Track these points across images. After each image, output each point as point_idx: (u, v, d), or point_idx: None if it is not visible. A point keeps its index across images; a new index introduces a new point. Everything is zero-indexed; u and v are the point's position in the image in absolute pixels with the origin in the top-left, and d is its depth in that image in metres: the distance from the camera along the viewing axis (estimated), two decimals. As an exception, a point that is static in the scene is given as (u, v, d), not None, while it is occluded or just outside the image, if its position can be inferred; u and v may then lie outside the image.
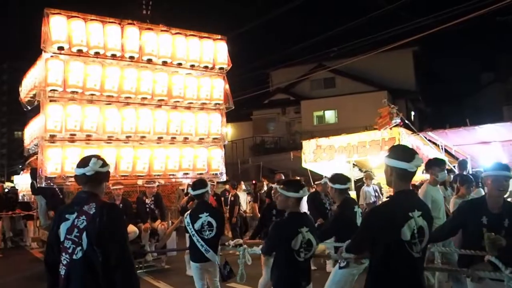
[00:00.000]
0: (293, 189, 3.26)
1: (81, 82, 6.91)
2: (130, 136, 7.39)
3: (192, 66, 8.01)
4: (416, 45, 22.38)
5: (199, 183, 4.84)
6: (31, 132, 8.83)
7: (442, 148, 10.60)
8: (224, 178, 8.48)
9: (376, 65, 21.97)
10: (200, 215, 4.56)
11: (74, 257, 2.48)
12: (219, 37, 8.31)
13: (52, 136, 6.75)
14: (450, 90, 28.75)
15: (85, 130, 6.96)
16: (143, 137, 7.52)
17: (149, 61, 7.56)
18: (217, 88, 8.21)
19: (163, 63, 7.72)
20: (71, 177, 6.80)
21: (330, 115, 25.16)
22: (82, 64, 6.94)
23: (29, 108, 8.86)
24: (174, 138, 7.83)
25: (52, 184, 6.81)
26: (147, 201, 7.87)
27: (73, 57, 6.95)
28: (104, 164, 2.69)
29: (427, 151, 10.32)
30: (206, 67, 8.14)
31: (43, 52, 6.85)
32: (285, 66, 23.64)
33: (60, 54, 6.84)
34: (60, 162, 6.75)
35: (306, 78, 23.90)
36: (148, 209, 7.85)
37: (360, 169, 11.39)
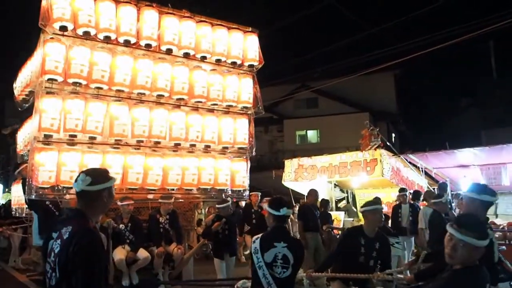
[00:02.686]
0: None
1: (86, 72, 5.61)
2: (141, 141, 6.07)
3: (218, 61, 6.74)
4: (398, 69, 23.20)
5: (283, 202, 3.56)
6: (25, 135, 7.49)
7: (422, 171, 10.86)
8: (247, 196, 7.16)
9: (359, 87, 22.85)
10: (276, 244, 3.31)
11: (51, 282, 2.30)
12: (250, 29, 7.08)
13: (47, 137, 5.41)
14: (430, 113, 29.53)
15: (88, 131, 5.64)
16: (157, 143, 6.20)
17: (169, 51, 6.29)
18: (245, 89, 6.94)
19: (185, 55, 6.44)
20: (69, 188, 5.47)
21: (312, 135, 26.00)
22: (88, 50, 5.66)
23: (25, 106, 7.57)
24: (194, 146, 6.52)
25: (44, 196, 5.46)
26: (161, 219, 6.55)
27: (77, 40, 5.67)
28: (95, 182, 2.42)
29: (407, 173, 10.71)
30: (233, 63, 6.88)
31: (41, 33, 5.56)
32: (268, 85, 23.51)
33: (63, 35, 5.54)
34: (55, 170, 5.40)
35: (289, 97, 24.17)
36: (162, 230, 6.52)
37: (341, 190, 11.60)
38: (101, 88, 5.77)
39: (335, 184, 11.51)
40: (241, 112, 7.02)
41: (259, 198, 9.11)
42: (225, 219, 6.24)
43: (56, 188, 5.47)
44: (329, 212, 9.65)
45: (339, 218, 10.42)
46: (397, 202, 9.14)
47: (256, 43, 7.04)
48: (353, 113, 23.24)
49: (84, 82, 5.64)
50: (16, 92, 7.71)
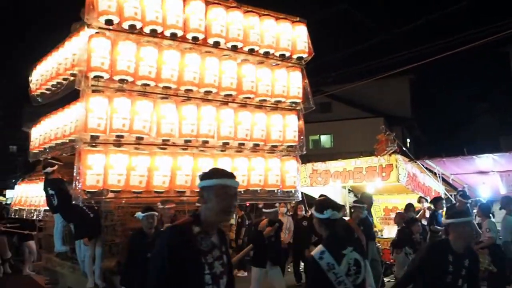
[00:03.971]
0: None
1: (133, 68, 5.25)
2: (189, 141, 5.70)
3: (266, 53, 6.31)
4: (413, 73, 22.92)
5: (327, 203, 3.12)
6: (42, 133, 7.22)
7: (439, 177, 10.60)
8: (299, 197, 6.74)
9: (373, 91, 22.67)
10: (344, 252, 2.85)
11: None
12: (298, 19, 6.61)
13: (93, 138, 5.08)
14: (446, 118, 28.95)
15: (135, 131, 5.29)
16: (205, 142, 5.83)
17: (216, 44, 5.88)
18: (294, 83, 6.49)
19: (232, 48, 6.03)
20: (115, 192, 5.15)
21: (325, 140, 25.80)
22: (134, 45, 5.29)
23: (40, 102, 7.31)
24: (242, 145, 6.13)
25: (92, 201, 5.15)
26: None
27: (122, 35, 5.30)
28: None
29: (423, 179, 10.52)
30: (282, 55, 6.43)
31: (85, 27, 5.22)
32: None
33: (108, 30, 5.19)
34: (102, 173, 5.08)
35: (303, 102, 24.11)
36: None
37: (355, 195, 11.19)
38: (148, 85, 5.41)
39: (349, 190, 11.26)
40: (290, 108, 6.59)
41: None
42: (278, 224, 5.84)
43: (104, 191, 5.16)
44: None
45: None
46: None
47: (305, 33, 6.57)
48: (367, 118, 23.05)
49: (130, 79, 5.28)
50: (33, 86, 7.46)
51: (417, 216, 8.48)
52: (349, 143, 21.27)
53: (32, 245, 9.74)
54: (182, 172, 5.58)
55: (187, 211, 6.16)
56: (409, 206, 8.20)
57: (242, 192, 6.12)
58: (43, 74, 7.06)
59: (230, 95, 6.00)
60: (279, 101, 6.42)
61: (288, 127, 6.46)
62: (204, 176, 2.30)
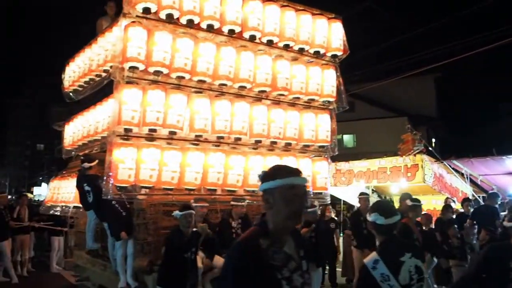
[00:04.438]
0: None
1: (168, 60, 5.05)
2: (222, 138, 5.50)
3: (301, 50, 6.11)
4: (439, 72, 22.32)
5: (393, 208, 2.90)
6: (75, 130, 7.03)
7: (467, 178, 10.39)
8: (329, 200, 6.53)
9: (397, 90, 22.09)
10: (403, 259, 2.57)
11: None
12: (333, 15, 6.41)
13: (127, 131, 4.89)
14: (472, 118, 28.30)
15: (169, 125, 5.09)
16: (238, 139, 5.63)
17: (252, 38, 5.68)
18: (328, 81, 6.29)
19: (268, 42, 5.83)
20: (147, 188, 4.95)
21: (348, 139, 25.13)
22: (170, 36, 5.09)
23: (73, 98, 7.14)
24: (275, 143, 5.93)
25: (124, 196, 4.94)
26: (233, 224, 5.94)
27: (159, 24, 5.11)
28: None
29: (450, 180, 10.25)
30: (317, 52, 6.23)
31: (121, 16, 5.02)
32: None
33: (145, 18, 5.00)
34: (134, 167, 4.88)
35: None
36: (234, 235, 5.92)
37: (379, 195, 11.08)
38: (182, 78, 5.22)
39: (372, 190, 11.01)
40: (323, 107, 6.39)
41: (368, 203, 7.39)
42: (314, 225, 5.62)
43: (135, 187, 4.96)
44: None
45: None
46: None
47: (340, 30, 6.38)
48: (390, 118, 22.50)
49: (165, 71, 5.09)
50: (65, 83, 7.27)
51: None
52: (372, 143, 20.80)
53: (61, 242, 9.55)
54: (214, 170, 5.38)
55: (219, 210, 5.99)
56: (448, 208, 7.43)
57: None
58: (76, 70, 6.87)
59: (264, 91, 5.80)
60: (313, 100, 6.23)
61: (320, 126, 6.26)
62: (265, 177, 1.96)
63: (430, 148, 10.39)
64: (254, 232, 1.93)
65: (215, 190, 5.47)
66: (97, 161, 5.96)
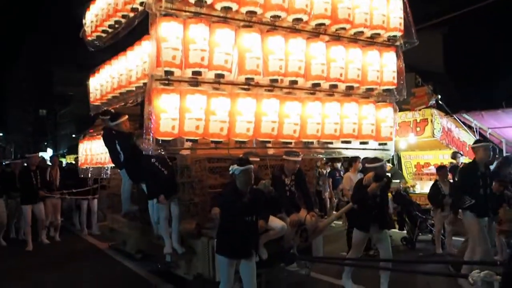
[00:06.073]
0: None
1: (212, -12, 4.17)
2: (276, 81, 4.68)
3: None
4: (446, 26, 21.63)
5: None
6: (103, 82, 6.30)
7: (476, 131, 10.42)
8: (392, 153, 5.73)
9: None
10: None
11: None
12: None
13: (167, 74, 4.12)
14: (480, 74, 26.81)
15: (215, 66, 4.29)
16: (294, 82, 4.80)
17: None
18: (394, 12, 5.32)
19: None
20: (192, 141, 4.25)
21: None
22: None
23: (98, 46, 6.39)
24: (335, 87, 5.08)
25: (163, 152, 4.26)
26: (287, 181, 5.24)
27: None
28: None
29: (458, 134, 10.20)
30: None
31: None
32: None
33: None
34: (177, 117, 4.15)
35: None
36: (288, 193, 5.24)
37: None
38: (229, 9, 4.35)
39: None
40: (388, 43, 5.44)
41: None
42: (386, 179, 4.85)
43: (180, 141, 4.27)
44: None
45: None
46: None
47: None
48: None
49: (209, 0, 4.22)
50: (87, 30, 6.48)
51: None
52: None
53: (92, 204, 9.12)
54: (268, 119, 4.61)
55: (268, 166, 5.30)
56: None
57: (334, 143, 5.17)
58: (98, 14, 6.05)
59: (323, 24, 4.88)
60: (377, 34, 5.27)
61: (385, 66, 5.36)
62: None
63: (441, 102, 10.36)
64: None
65: (269, 142, 4.73)
66: (125, 117, 5.29)
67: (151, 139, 4.08)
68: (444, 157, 10.34)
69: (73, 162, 10.58)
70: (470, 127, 10.51)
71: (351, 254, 5.20)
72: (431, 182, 9.06)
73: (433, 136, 9.44)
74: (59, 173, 8.89)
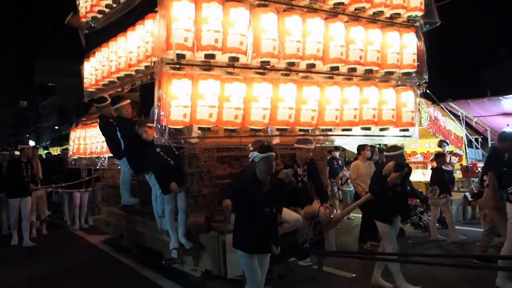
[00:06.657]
0: None
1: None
2: (293, 64, 4.38)
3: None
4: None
5: None
6: (98, 67, 5.93)
7: (462, 120, 10.53)
8: (417, 137, 5.45)
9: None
10: None
11: None
12: None
13: (179, 58, 3.81)
14: (466, 63, 26.75)
15: (230, 48, 3.99)
16: (311, 66, 4.50)
17: None
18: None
19: None
20: (205, 129, 3.97)
21: None
22: None
23: (95, 27, 6.04)
24: (354, 70, 4.78)
25: (170, 141, 3.95)
26: (299, 171, 4.92)
27: None
28: None
29: (444, 123, 10.17)
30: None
31: None
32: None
33: None
34: (189, 105, 3.86)
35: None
36: (300, 184, 4.94)
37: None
38: (243, -16, 4.03)
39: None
40: (408, 24, 5.14)
41: None
42: (407, 169, 4.56)
43: (190, 129, 3.98)
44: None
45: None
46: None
47: None
48: None
49: (223, -23, 3.90)
50: (82, 10, 6.10)
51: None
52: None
53: (83, 197, 8.76)
54: (285, 105, 4.32)
55: (279, 155, 4.99)
56: None
57: (353, 130, 4.90)
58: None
59: (342, 3, 4.57)
60: (397, 14, 4.97)
61: (405, 48, 5.08)
62: None
63: (427, 91, 9.97)
64: None
65: (285, 129, 4.45)
66: (126, 102, 4.98)
67: (163, 128, 3.79)
68: (430, 146, 10.35)
69: (59, 153, 10.06)
70: (456, 116, 10.53)
71: (387, 249, 4.86)
72: (419, 171, 9.42)
73: (420, 125, 9.22)
74: (39, 165, 8.47)
